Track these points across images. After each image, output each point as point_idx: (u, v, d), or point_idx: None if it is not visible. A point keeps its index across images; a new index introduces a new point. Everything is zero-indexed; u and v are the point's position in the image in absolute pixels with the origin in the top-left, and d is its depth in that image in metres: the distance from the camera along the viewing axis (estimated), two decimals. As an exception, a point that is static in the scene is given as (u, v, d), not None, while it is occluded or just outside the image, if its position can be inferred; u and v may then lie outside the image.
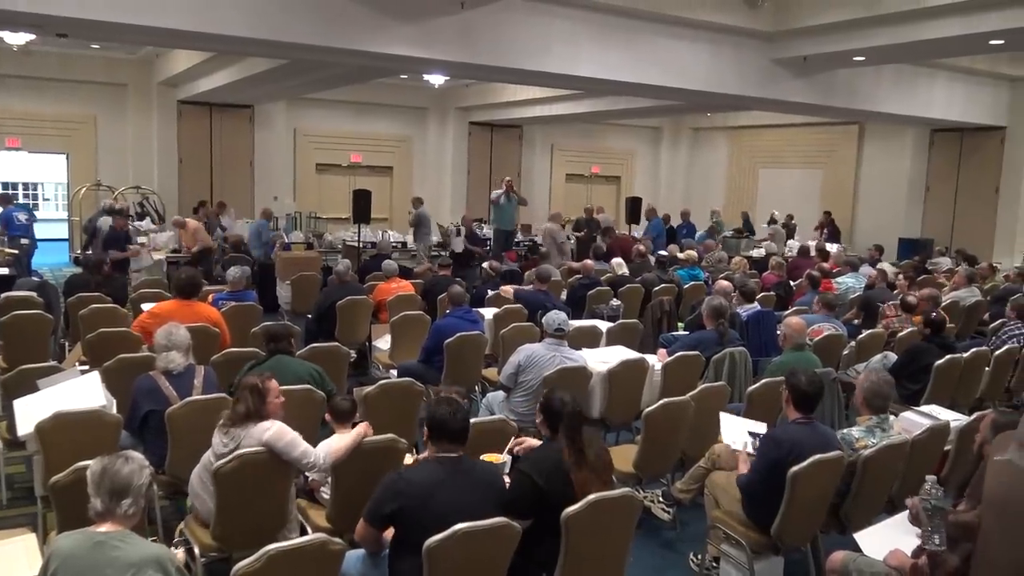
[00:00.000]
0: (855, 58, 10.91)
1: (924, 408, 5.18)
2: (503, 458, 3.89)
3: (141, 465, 2.66)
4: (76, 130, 15.94)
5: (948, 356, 6.14)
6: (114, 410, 4.32)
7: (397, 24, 8.73)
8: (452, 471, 3.20)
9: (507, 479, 3.54)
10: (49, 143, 15.92)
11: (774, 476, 3.81)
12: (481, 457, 3.74)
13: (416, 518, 3.06)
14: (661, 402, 4.70)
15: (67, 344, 7.39)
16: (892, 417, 4.42)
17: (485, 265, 10.17)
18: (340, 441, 3.82)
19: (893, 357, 6.54)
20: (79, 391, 4.38)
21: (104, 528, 2.57)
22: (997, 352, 6.72)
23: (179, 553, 3.09)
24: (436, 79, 13.36)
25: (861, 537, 3.54)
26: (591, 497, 3.21)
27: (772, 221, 16.59)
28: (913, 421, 4.81)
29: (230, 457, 3.52)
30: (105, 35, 9.91)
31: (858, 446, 4.11)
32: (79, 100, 15.73)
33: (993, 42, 9.68)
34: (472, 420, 4.16)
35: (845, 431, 4.27)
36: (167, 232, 12.43)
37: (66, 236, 16.25)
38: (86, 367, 5.22)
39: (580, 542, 3.21)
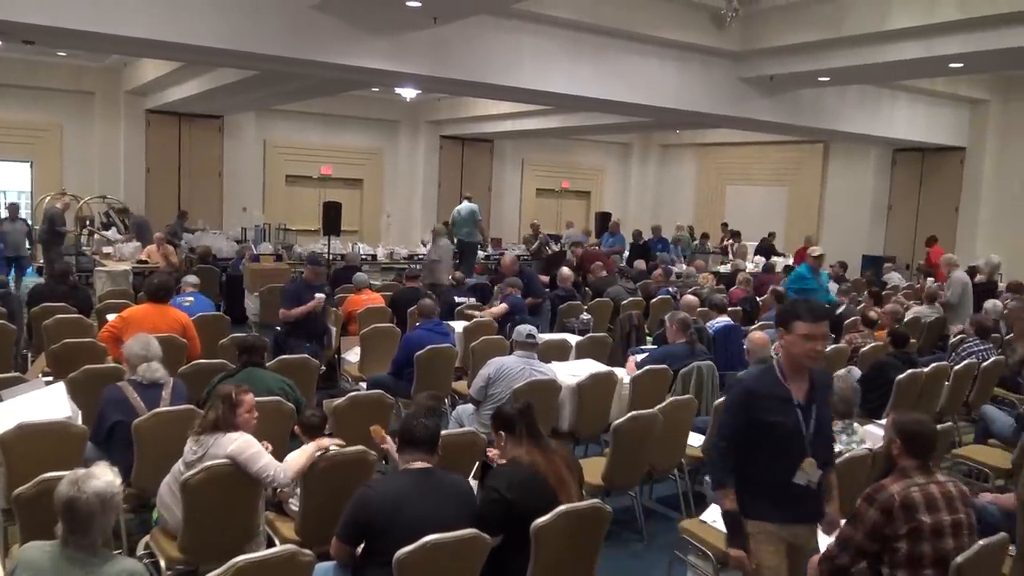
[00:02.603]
0: (820, 78, 11.13)
1: (885, 421, 5.27)
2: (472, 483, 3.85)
3: (103, 498, 2.51)
4: (40, 138, 15.69)
5: (910, 371, 6.27)
6: (79, 421, 4.26)
7: (369, 37, 8.73)
8: (421, 483, 3.21)
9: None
10: (12, 151, 15.61)
11: None
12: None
13: (385, 530, 3.05)
14: (630, 415, 4.75)
15: (30, 355, 7.27)
16: (857, 425, 4.52)
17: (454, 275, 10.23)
18: (300, 456, 3.80)
19: (857, 372, 6.65)
20: (44, 402, 4.32)
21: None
22: (957, 367, 6.87)
23: None
24: (408, 92, 13.40)
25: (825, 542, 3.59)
26: (561, 508, 3.24)
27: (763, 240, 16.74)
28: (874, 434, 4.91)
29: (197, 469, 3.50)
30: (73, 43, 9.78)
31: None
32: (44, 107, 15.50)
33: (953, 65, 9.93)
34: (441, 432, 4.18)
35: None
36: (133, 243, 12.26)
37: (28, 245, 15.90)
38: (50, 378, 5.15)
39: (549, 553, 3.23)
